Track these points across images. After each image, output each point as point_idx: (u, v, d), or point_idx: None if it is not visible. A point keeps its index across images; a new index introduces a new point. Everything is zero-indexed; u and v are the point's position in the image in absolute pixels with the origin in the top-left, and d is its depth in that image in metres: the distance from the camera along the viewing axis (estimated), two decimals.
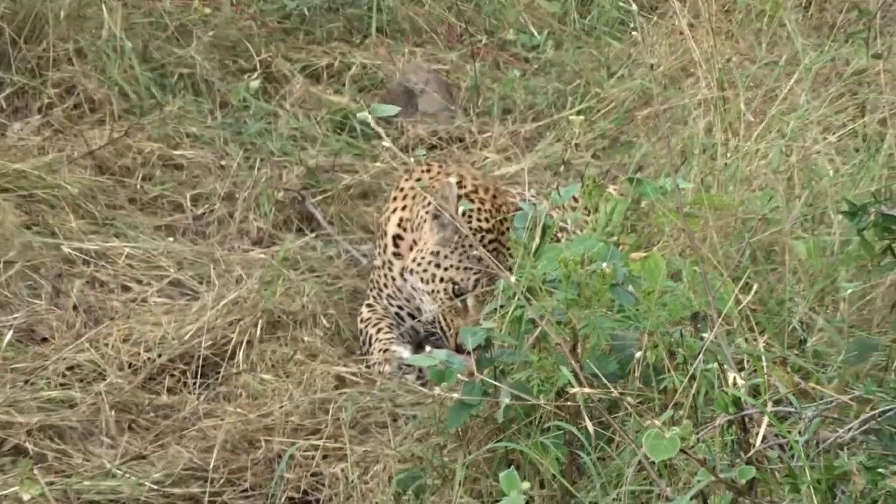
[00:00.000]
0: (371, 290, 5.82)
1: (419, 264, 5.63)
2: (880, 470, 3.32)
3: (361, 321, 5.74)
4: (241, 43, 7.37)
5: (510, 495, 3.91)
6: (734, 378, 3.70)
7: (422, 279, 5.63)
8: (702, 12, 6.48)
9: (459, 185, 5.65)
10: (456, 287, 5.55)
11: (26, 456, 5.16)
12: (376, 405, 5.41)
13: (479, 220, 5.56)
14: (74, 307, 5.86)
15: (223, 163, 6.63)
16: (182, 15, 7.34)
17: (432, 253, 5.60)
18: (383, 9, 7.74)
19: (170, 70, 7.14)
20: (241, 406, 5.42)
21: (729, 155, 5.68)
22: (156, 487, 5.13)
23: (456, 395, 4.60)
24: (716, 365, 3.93)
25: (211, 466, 5.19)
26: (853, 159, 5.56)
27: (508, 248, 5.52)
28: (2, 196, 6.11)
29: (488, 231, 5.49)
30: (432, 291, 5.61)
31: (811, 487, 3.45)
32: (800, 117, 5.73)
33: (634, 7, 5.65)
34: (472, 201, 5.54)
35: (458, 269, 5.56)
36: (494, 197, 5.63)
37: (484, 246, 5.45)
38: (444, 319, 5.59)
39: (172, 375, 5.59)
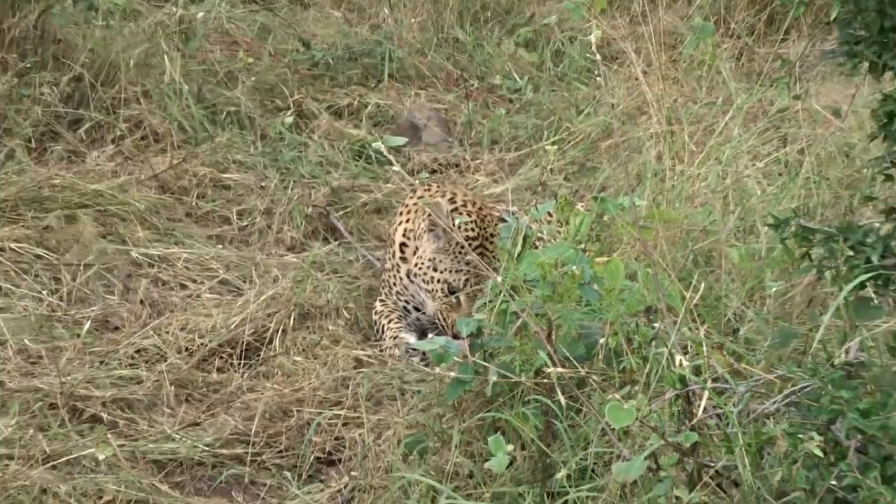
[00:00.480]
0: (383, 288, 5.88)
1: (420, 268, 5.71)
2: (800, 436, 3.37)
3: (375, 313, 5.81)
4: (277, 86, 7.37)
5: (497, 455, 4.04)
6: (680, 360, 3.79)
7: (423, 280, 5.72)
8: (653, 62, 6.53)
9: (452, 201, 5.77)
10: (449, 286, 5.63)
11: (101, 423, 5.22)
12: (387, 382, 5.48)
13: (466, 230, 5.64)
14: (141, 301, 5.92)
15: (263, 184, 6.66)
16: (229, 63, 7.35)
17: (430, 259, 5.67)
18: (394, 59, 7.76)
19: (219, 108, 7.14)
20: (277, 382, 5.49)
21: (675, 178, 5.74)
22: (207, 449, 5.20)
23: (452, 374, 4.70)
24: (665, 349, 4.01)
25: (252, 432, 5.28)
26: (777, 181, 5.63)
27: (492, 252, 5.59)
28: (82, 211, 6.15)
29: (474, 239, 5.59)
30: (431, 291, 5.70)
31: (743, 450, 3.52)
32: (733, 147, 5.79)
33: (598, 57, 5.75)
34: (460, 214, 5.62)
35: (451, 272, 5.63)
36: (480, 209, 5.72)
37: (456, 254, 5.57)
38: (442, 313, 5.67)
39: (221, 357, 5.67)
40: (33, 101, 6.74)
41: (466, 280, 5.60)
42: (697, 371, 3.82)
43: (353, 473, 5.08)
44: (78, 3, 6.93)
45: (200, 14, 7.30)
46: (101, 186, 6.28)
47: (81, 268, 5.97)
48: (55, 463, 4.86)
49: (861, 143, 5.40)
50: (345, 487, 5.03)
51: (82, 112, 6.91)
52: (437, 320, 5.68)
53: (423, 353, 5.36)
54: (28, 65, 6.86)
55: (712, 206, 5.45)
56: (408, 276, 5.74)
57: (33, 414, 5.14)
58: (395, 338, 5.67)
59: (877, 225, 3.80)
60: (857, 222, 3.87)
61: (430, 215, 5.67)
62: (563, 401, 4.21)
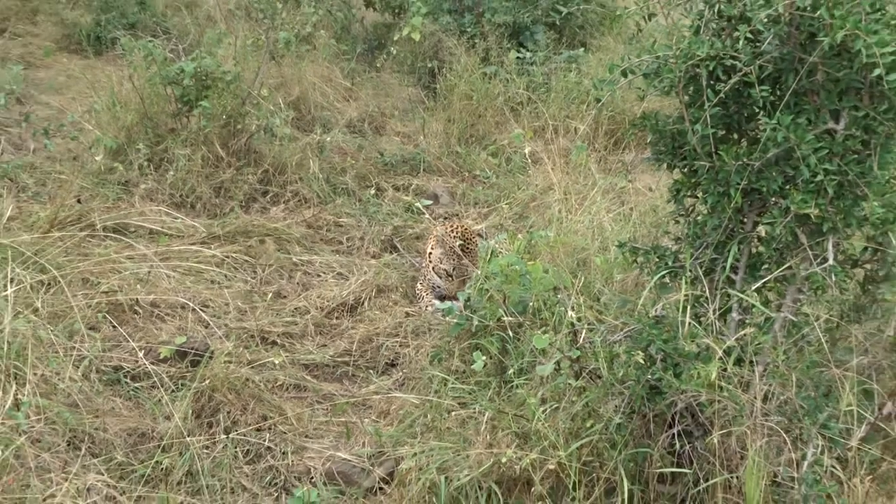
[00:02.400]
0: (420, 278, 5.81)
1: (434, 266, 5.66)
2: (631, 353, 3.31)
3: (417, 290, 5.75)
4: (367, 175, 7.30)
5: (477, 361, 3.97)
6: (570, 314, 3.72)
7: (435, 272, 5.68)
8: (556, 163, 6.46)
9: (454, 229, 5.71)
10: (447, 272, 5.60)
11: (277, 345, 5.17)
12: (422, 324, 5.41)
13: (452, 234, 5.65)
14: (298, 283, 5.88)
15: (359, 224, 6.60)
16: (342, 163, 7.29)
17: (438, 259, 5.64)
18: (425, 161, 7.69)
19: (338, 186, 7.09)
20: (365, 324, 5.42)
21: (567, 222, 5.69)
22: (330, 358, 5.16)
23: (455, 321, 4.63)
24: (563, 308, 3.96)
25: (353, 349, 5.22)
26: (619, 224, 5.57)
27: (470, 254, 5.57)
28: (268, 237, 6.10)
29: (461, 248, 5.53)
30: (440, 276, 5.65)
31: (603, 359, 3.44)
32: (596, 206, 5.72)
33: (529, 161, 5.73)
34: (456, 238, 5.61)
35: (447, 264, 5.59)
36: (465, 231, 5.66)
37: (458, 254, 5.52)
38: (448, 289, 5.62)
39: (338, 311, 5.57)
40: (243, 181, 6.69)
41: (454, 268, 5.55)
42: (579, 319, 3.76)
43: (404, 371, 5.05)
44: (266, 133, 6.90)
45: (328, 138, 7.25)
46: (278, 225, 6.24)
47: (267, 266, 5.93)
48: (252, 365, 4.81)
49: (662, 204, 5.32)
50: (400, 378, 4.99)
51: (268, 188, 6.88)
52: (446, 293, 5.62)
53: (441, 310, 5.33)
54: (241, 163, 6.82)
55: (586, 236, 5.39)
56: (432, 270, 5.69)
57: (243, 340, 5.09)
58: (426, 302, 5.63)
59: (671, 245, 3.74)
60: (660, 245, 3.81)
61: (440, 238, 5.68)
62: (510, 334, 4.16)
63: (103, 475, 3.29)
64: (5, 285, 3.76)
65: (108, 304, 5.14)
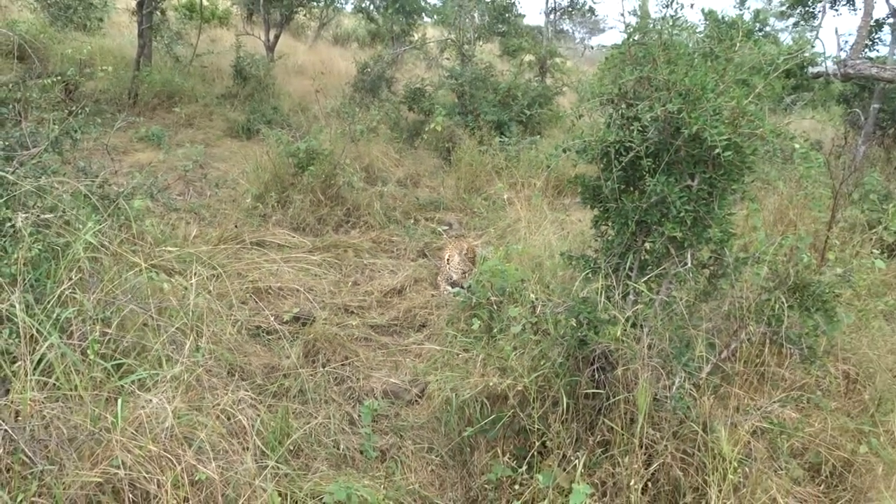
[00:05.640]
0: (440, 273, 5.77)
1: (452, 266, 5.60)
2: (568, 319, 3.27)
3: (437, 281, 5.70)
4: (408, 210, 7.28)
5: (475, 324, 3.91)
6: (532, 296, 3.67)
7: (453, 269, 5.61)
8: (523, 205, 6.41)
9: (462, 243, 5.65)
10: (461, 270, 5.52)
11: (353, 313, 5.13)
12: (441, 302, 5.37)
13: (465, 254, 5.55)
14: (367, 276, 5.85)
15: (403, 241, 6.56)
16: (395, 204, 7.25)
17: (457, 263, 5.57)
18: (444, 202, 7.64)
19: (391, 218, 7.06)
20: (406, 301, 5.39)
21: (528, 239, 5.63)
22: (386, 321, 5.10)
23: (461, 299, 4.59)
24: (527, 292, 3.91)
25: (400, 317, 5.19)
26: (561, 241, 5.51)
27: (472, 261, 5.51)
28: (350, 249, 6.09)
29: (468, 256, 5.46)
30: (455, 273, 5.59)
31: (551, 323, 3.39)
32: (547, 231, 5.66)
33: (507, 204, 5.64)
34: (466, 250, 5.55)
35: (461, 264, 5.54)
36: (471, 247, 5.61)
37: (465, 261, 5.46)
38: (458, 280, 5.57)
39: (390, 294, 5.54)
40: (334, 215, 6.70)
41: (464, 272, 5.49)
42: (537, 298, 3.73)
43: (430, 330, 5.01)
44: (348, 185, 6.89)
45: (385, 189, 7.24)
46: (355, 241, 6.22)
47: (348, 266, 5.92)
48: (339, 325, 4.80)
49: (587, 230, 5.30)
50: (428, 334, 4.96)
51: (349, 218, 6.85)
52: (458, 282, 5.58)
53: (453, 293, 5.29)
54: (333, 204, 6.81)
55: (540, 249, 5.34)
56: (448, 268, 5.64)
57: (333, 310, 5.08)
58: (443, 288, 5.58)
59: (593, 254, 3.69)
60: (586, 254, 3.77)
61: (459, 248, 5.62)
62: (495, 308, 4.12)
63: (248, 392, 3.30)
64: (192, 277, 3.77)
65: (252, 288, 5.18)
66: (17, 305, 2.69)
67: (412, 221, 7.07)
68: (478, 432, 3.44)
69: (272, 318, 4.76)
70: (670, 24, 3.31)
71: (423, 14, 13.37)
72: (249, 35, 13.04)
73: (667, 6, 3.44)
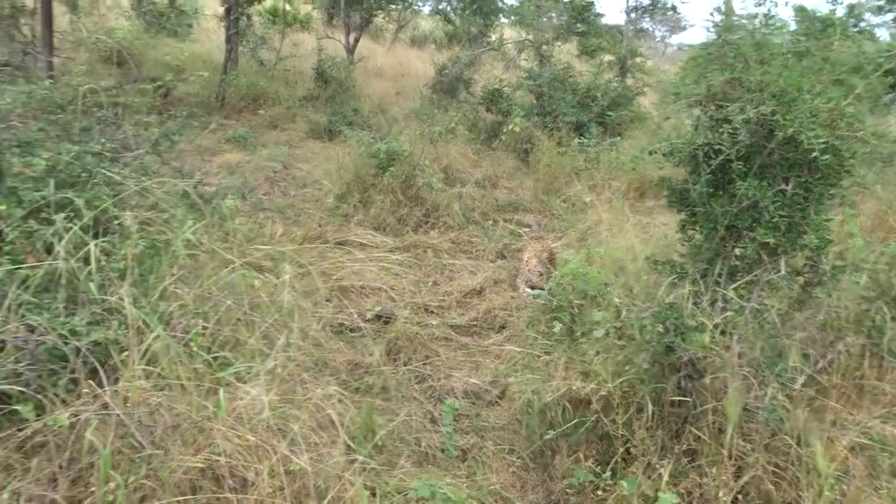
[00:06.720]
0: (519, 274, 5.76)
1: (530, 268, 5.60)
2: (654, 325, 3.22)
3: (517, 282, 5.69)
4: (487, 211, 7.29)
5: (556, 326, 3.90)
6: (616, 300, 3.65)
7: (530, 271, 5.60)
8: (604, 208, 6.36)
9: (542, 244, 5.64)
10: (539, 271, 5.51)
11: (433, 313, 5.16)
12: (521, 303, 5.36)
13: (545, 255, 5.54)
14: (446, 276, 5.88)
15: (482, 242, 6.57)
16: (474, 205, 7.27)
17: (535, 264, 5.56)
18: (522, 204, 7.63)
19: (470, 219, 7.09)
20: (487, 302, 5.40)
21: (611, 243, 5.58)
22: (466, 321, 5.13)
23: (541, 301, 4.58)
24: (611, 295, 3.89)
25: (479, 317, 5.21)
26: (645, 245, 5.41)
27: (551, 262, 5.49)
28: (430, 250, 6.14)
29: (547, 258, 5.45)
30: (534, 274, 5.57)
31: (636, 328, 3.34)
32: (629, 234, 5.59)
33: (587, 205, 5.60)
34: (545, 251, 5.53)
35: (538, 267, 5.52)
36: (551, 248, 5.60)
37: (544, 263, 5.45)
38: (537, 281, 5.56)
39: (470, 294, 5.55)
40: (414, 215, 6.77)
41: (541, 274, 5.47)
42: (620, 303, 3.71)
43: (510, 331, 5.02)
44: (427, 186, 6.95)
45: (464, 190, 7.29)
46: (434, 241, 6.29)
47: (428, 266, 5.98)
48: (420, 325, 4.87)
49: (673, 234, 5.20)
50: (507, 335, 4.96)
51: (428, 219, 6.94)
52: (536, 284, 5.57)
53: (532, 295, 5.29)
54: (413, 204, 6.88)
55: (623, 252, 5.29)
56: (527, 269, 5.64)
57: (414, 310, 5.14)
58: (523, 289, 5.57)
59: (679, 259, 3.64)
60: (672, 259, 3.73)
61: (538, 250, 5.61)
62: (577, 311, 4.11)
63: (336, 387, 3.39)
64: (282, 274, 3.90)
65: (337, 287, 5.29)
66: (126, 299, 2.86)
67: (491, 222, 7.07)
68: (560, 436, 3.43)
69: (356, 316, 4.86)
70: (763, 22, 3.23)
71: (501, 15, 13.38)
72: (330, 38, 13.34)
73: (759, 4, 3.35)
